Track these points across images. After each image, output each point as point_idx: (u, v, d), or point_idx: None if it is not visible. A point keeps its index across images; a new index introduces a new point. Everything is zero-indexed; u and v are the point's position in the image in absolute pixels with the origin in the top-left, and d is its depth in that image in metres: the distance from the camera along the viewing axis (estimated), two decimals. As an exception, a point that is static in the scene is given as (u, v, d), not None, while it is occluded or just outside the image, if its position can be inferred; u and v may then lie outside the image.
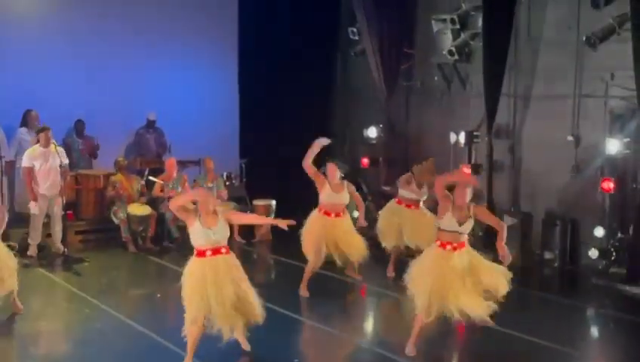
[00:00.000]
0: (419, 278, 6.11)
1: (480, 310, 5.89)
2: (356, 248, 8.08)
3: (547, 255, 9.71)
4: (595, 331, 7.80)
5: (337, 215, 8.07)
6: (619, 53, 8.89)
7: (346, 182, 8.23)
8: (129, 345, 6.66)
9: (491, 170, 10.30)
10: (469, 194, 6.09)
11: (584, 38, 9.02)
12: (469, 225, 6.08)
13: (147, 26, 12.06)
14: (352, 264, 8.38)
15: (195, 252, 5.98)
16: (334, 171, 8.16)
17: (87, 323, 7.34)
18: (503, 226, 6.20)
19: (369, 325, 7.79)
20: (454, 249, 6.03)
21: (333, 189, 8.07)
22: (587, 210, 9.43)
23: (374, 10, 11.63)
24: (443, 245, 6.06)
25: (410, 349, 6.13)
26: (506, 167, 10.51)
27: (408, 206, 8.71)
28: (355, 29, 12.28)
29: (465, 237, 6.13)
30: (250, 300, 5.82)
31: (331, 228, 8.02)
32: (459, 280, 5.94)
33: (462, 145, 10.69)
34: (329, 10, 12.84)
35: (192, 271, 5.95)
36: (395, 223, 8.68)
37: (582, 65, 9.52)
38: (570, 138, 9.59)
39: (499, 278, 6.13)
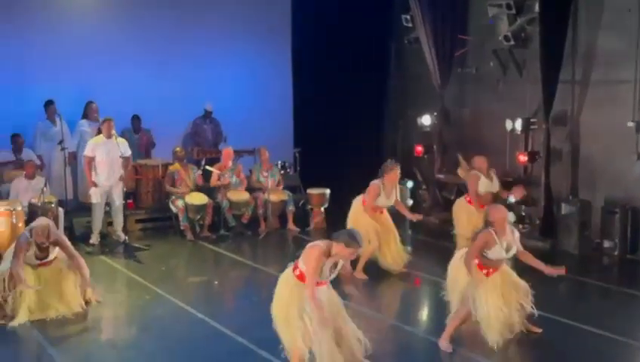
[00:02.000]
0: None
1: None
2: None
3: (606, 243, 9.48)
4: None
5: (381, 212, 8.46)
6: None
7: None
8: (187, 331, 6.78)
9: (548, 158, 10.11)
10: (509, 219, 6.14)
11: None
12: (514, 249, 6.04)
13: (204, 21, 12.20)
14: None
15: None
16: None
17: (147, 310, 7.50)
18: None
19: (422, 313, 7.78)
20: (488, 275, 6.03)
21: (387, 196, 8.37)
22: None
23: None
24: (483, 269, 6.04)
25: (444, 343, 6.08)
26: (563, 155, 10.29)
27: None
28: (408, 17, 12.16)
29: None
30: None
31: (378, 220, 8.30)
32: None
33: (518, 133, 10.53)
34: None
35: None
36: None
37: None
38: (630, 124, 9.32)
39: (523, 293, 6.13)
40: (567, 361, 5.91)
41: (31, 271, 7.00)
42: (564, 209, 9.79)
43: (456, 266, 6.22)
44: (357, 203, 8.49)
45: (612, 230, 9.40)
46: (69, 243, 7.28)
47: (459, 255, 6.33)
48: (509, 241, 5.96)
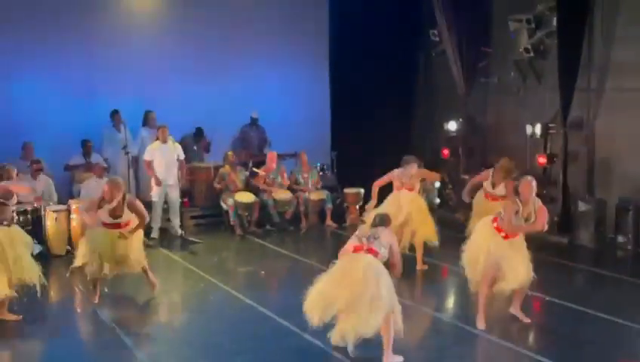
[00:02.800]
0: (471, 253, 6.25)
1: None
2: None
3: (620, 238, 9.36)
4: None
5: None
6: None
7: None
8: (237, 315, 6.87)
9: (566, 160, 10.02)
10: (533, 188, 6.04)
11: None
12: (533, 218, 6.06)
13: (250, 37, 12.22)
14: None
15: None
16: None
17: (201, 296, 7.61)
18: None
19: (448, 300, 7.78)
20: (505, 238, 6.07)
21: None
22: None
23: (453, 13, 11.49)
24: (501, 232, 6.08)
25: (480, 323, 6.12)
26: (580, 157, 10.18)
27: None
28: (435, 32, 12.15)
29: None
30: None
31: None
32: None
33: (538, 137, 10.45)
34: (412, 15, 12.71)
35: None
36: None
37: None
38: (643, 128, 9.21)
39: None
40: (582, 346, 5.85)
41: (102, 231, 7.05)
42: (581, 206, 9.69)
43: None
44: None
45: (625, 226, 9.28)
46: (141, 206, 7.28)
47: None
48: (529, 212, 6.01)
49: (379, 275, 5.19)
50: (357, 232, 5.63)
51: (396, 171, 8.35)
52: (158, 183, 10.02)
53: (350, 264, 5.31)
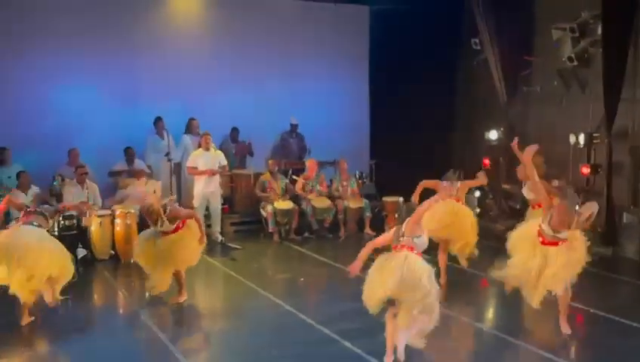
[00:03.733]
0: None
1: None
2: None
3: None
4: None
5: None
6: None
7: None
8: (277, 321, 6.89)
9: (610, 170, 9.88)
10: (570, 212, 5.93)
11: None
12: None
13: (290, 46, 12.45)
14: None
15: None
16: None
17: (242, 302, 7.68)
18: None
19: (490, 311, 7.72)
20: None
21: None
22: None
23: (495, 21, 11.48)
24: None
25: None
26: (625, 167, 10.04)
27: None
28: (477, 40, 12.12)
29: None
30: None
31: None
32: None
33: (581, 146, 10.33)
34: (453, 24, 12.71)
35: None
36: None
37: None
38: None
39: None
40: (625, 359, 5.75)
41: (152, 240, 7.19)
42: (626, 218, 9.55)
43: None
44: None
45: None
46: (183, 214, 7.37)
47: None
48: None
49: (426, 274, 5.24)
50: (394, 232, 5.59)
51: (444, 183, 8.17)
52: (209, 173, 10.16)
53: (405, 261, 5.28)
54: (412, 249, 5.35)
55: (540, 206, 7.79)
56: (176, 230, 7.14)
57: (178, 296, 7.36)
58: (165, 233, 7.10)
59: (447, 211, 7.84)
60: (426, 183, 8.22)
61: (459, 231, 7.91)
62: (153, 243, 7.14)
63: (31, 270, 6.24)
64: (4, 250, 6.25)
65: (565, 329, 6.19)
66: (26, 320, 6.55)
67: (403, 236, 5.39)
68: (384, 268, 5.28)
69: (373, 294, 5.31)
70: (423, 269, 5.23)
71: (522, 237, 6.42)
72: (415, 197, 8.09)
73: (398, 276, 5.13)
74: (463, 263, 8.14)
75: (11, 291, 6.28)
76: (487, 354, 6.03)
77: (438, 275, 5.94)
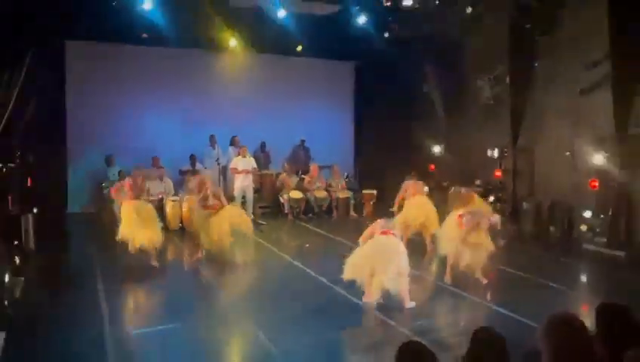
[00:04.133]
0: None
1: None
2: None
3: (552, 229, 9.18)
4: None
5: None
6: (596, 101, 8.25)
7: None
8: (290, 274, 6.88)
9: (515, 173, 9.89)
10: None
11: (579, 90, 8.47)
12: None
13: (301, 90, 12.33)
14: None
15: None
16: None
17: (266, 259, 7.73)
18: None
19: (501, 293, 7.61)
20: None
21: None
22: (580, 200, 8.82)
23: (438, 73, 11.45)
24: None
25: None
26: (525, 172, 9.96)
27: None
28: (427, 84, 12.06)
29: None
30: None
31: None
32: None
33: (495, 157, 10.19)
34: (411, 74, 12.54)
35: None
36: None
37: (578, 107, 8.91)
38: (567, 153, 9.00)
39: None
40: (525, 300, 5.58)
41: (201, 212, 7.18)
42: (524, 205, 9.54)
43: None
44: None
45: (556, 220, 9.09)
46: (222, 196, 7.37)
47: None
48: None
49: (404, 252, 5.27)
50: (379, 223, 5.55)
51: (410, 182, 8.03)
52: (245, 172, 10.10)
53: (388, 240, 5.33)
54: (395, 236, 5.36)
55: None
56: (215, 207, 7.09)
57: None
58: (208, 207, 7.04)
59: (418, 206, 7.66)
60: (401, 196, 7.99)
61: (428, 220, 7.66)
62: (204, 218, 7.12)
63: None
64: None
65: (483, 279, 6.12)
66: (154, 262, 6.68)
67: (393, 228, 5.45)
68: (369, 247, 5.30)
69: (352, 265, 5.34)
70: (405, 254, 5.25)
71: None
72: (397, 206, 7.97)
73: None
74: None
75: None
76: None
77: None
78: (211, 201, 7.09)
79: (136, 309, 5.82)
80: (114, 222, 7.60)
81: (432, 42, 11.31)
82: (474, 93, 10.96)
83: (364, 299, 5.47)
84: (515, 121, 9.66)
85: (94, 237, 8.48)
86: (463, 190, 6.93)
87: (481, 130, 11.09)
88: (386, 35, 11.21)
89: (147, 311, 5.63)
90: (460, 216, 6.14)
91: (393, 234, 5.37)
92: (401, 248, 5.31)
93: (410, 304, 5.35)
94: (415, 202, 7.81)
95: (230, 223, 7.19)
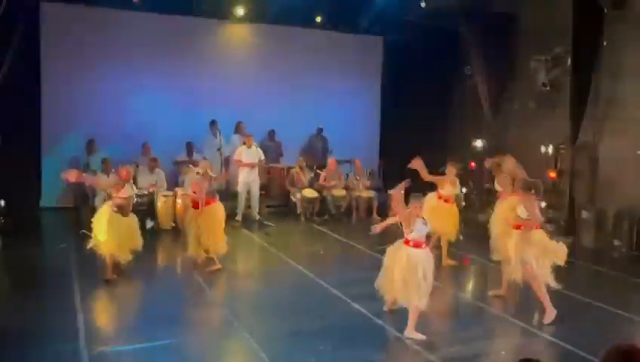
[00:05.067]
0: None
1: None
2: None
3: (616, 242, 9.00)
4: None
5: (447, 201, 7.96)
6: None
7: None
8: (300, 284, 6.89)
9: (573, 175, 9.70)
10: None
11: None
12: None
13: (319, 68, 12.28)
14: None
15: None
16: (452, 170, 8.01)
17: (272, 268, 7.71)
18: None
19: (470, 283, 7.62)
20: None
21: (451, 185, 7.92)
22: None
23: (484, 53, 11.24)
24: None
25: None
26: (585, 173, 9.82)
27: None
28: (469, 67, 11.93)
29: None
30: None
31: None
32: None
33: (550, 155, 10.15)
34: (450, 53, 12.48)
35: None
36: None
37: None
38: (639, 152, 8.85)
39: None
40: (582, 326, 5.63)
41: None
42: (584, 214, 9.37)
43: None
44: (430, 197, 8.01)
45: (621, 233, 8.92)
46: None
47: None
48: None
49: (417, 265, 5.15)
50: (413, 203, 5.50)
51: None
52: (250, 165, 10.09)
53: (395, 248, 5.36)
54: (408, 242, 5.25)
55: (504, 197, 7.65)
56: (208, 202, 7.09)
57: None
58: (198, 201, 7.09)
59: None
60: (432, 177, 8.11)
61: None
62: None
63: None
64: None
65: (549, 316, 5.69)
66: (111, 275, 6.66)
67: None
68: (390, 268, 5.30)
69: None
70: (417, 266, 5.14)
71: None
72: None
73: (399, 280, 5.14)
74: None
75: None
76: (466, 317, 5.93)
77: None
78: (210, 186, 7.07)
79: (117, 322, 5.84)
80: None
81: (478, 15, 11.15)
82: (527, 77, 10.79)
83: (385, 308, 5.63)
84: (576, 112, 9.43)
85: (71, 235, 8.52)
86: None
87: (533, 122, 10.93)
88: (423, 4, 11.07)
89: (130, 323, 5.64)
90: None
91: (407, 241, 5.24)
92: (408, 258, 5.17)
93: (411, 333, 5.16)
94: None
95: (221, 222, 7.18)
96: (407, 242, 5.25)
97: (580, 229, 9.39)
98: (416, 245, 5.22)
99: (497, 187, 8.19)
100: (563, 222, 9.63)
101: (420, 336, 5.15)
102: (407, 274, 5.09)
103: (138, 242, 6.79)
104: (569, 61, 9.62)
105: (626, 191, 9.08)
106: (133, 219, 6.85)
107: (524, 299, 6.06)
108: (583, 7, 8.93)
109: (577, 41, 9.15)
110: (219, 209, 7.21)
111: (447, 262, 7.81)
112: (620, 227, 8.95)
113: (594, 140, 9.70)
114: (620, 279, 7.63)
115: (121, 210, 6.65)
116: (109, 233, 6.43)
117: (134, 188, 7.11)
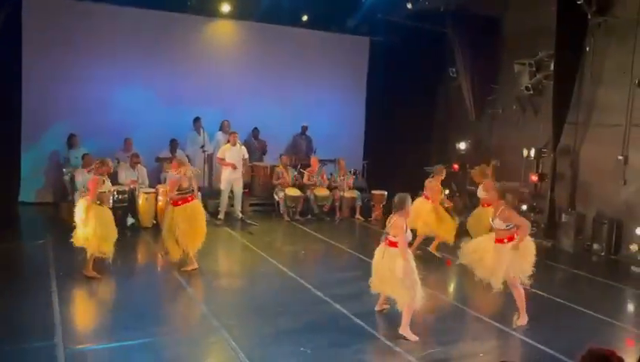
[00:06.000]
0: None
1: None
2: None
3: (595, 246, 9.13)
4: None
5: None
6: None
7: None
8: (282, 284, 6.86)
9: (554, 179, 9.81)
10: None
11: (637, 81, 8.38)
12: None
13: (304, 66, 12.30)
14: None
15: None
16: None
17: (254, 267, 7.65)
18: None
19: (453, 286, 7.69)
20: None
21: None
22: (631, 214, 8.79)
23: (469, 55, 11.37)
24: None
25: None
26: (566, 177, 9.96)
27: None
28: (454, 69, 12.03)
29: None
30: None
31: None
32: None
33: (532, 158, 10.26)
34: (435, 55, 12.61)
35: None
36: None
37: (632, 102, 8.85)
38: (620, 157, 8.96)
39: None
40: (559, 329, 5.70)
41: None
42: (564, 218, 9.49)
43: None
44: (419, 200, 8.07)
45: (600, 236, 9.06)
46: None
47: None
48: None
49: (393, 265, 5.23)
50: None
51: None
52: (232, 166, 10.02)
53: (379, 255, 5.48)
54: (394, 244, 5.30)
55: (488, 205, 7.78)
56: (187, 200, 7.02)
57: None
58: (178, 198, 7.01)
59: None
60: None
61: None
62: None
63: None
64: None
65: (522, 321, 5.72)
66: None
67: (387, 234, 5.41)
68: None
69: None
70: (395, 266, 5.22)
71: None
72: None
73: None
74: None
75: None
76: (448, 319, 5.98)
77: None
78: (186, 184, 7.00)
79: (95, 319, 5.77)
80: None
81: (463, 17, 11.24)
82: (510, 80, 10.90)
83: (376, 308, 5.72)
84: (558, 116, 9.54)
85: (50, 232, 8.40)
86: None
87: (516, 126, 11.04)
88: (409, 6, 11.12)
89: (108, 321, 5.58)
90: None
91: (391, 243, 5.28)
92: (392, 263, 5.23)
93: (406, 332, 5.21)
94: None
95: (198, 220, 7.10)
96: (393, 244, 5.28)
97: (560, 233, 9.49)
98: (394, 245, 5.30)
99: (480, 193, 8.34)
100: (544, 225, 9.74)
101: (413, 337, 5.18)
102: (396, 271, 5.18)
103: (115, 234, 6.73)
104: (552, 66, 9.72)
105: (606, 196, 9.22)
106: (109, 211, 6.82)
107: (502, 302, 6.10)
108: (566, 12, 9.02)
109: (561, 46, 9.25)
110: (196, 207, 7.10)
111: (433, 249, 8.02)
112: (599, 231, 9.07)
113: (575, 145, 9.83)
114: (598, 283, 7.73)
115: (101, 202, 6.62)
116: (92, 225, 6.36)
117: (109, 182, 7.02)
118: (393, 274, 5.18)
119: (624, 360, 2.23)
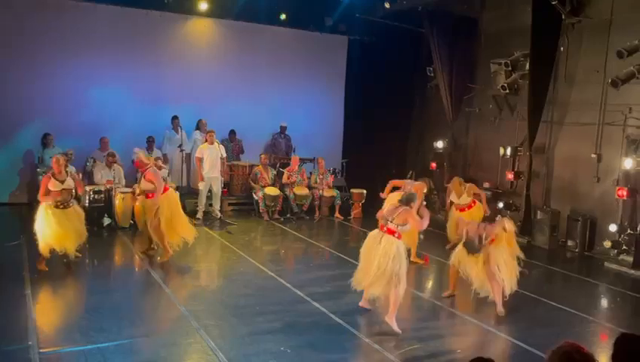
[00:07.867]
0: None
1: None
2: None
3: (569, 243, 9.29)
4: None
5: None
6: (636, 92, 8.40)
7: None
8: (261, 283, 6.82)
9: (530, 177, 9.95)
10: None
11: (609, 81, 8.54)
12: None
13: (283, 65, 12.27)
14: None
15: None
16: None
17: (233, 266, 7.58)
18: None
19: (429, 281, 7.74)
20: None
21: None
22: (605, 211, 8.97)
23: (446, 55, 11.46)
24: None
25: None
26: (541, 175, 10.11)
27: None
28: (431, 69, 12.12)
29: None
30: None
31: None
32: None
33: (508, 157, 10.39)
34: (413, 54, 12.70)
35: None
36: None
37: (605, 101, 9.03)
38: (593, 155, 9.13)
39: None
40: (535, 324, 5.76)
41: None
42: (539, 215, 9.63)
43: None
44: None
45: (574, 233, 9.22)
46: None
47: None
48: None
49: (393, 255, 5.25)
50: (385, 209, 5.60)
51: (407, 181, 8.22)
52: (201, 179, 10.04)
53: (374, 235, 5.44)
54: (393, 233, 5.34)
55: (462, 210, 8.19)
56: (149, 196, 7.26)
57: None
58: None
59: None
60: (394, 182, 8.13)
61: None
62: None
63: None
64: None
65: (500, 311, 5.90)
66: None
67: (389, 221, 5.38)
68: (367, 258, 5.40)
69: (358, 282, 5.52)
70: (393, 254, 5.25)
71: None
72: (385, 193, 8.01)
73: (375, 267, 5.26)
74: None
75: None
76: (425, 314, 6.02)
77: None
78: (145, 186, 7.11)
79: (69, 321, 5.65)
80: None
81: (441, 17, 11.33)
82: (487, 79, 11.02)
83: (360, 304, 5.69)
84: (534, 115, 9.67)
85: (24, 233, 8.19)
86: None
87: (492, 124, 11.17)
88: (387, 5, 11.16)
89: (83, 323, 5.47)
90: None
91: (390, 230, 5.30)
92: (389, 248, 5.25)
93: (392, 322, 5.31)
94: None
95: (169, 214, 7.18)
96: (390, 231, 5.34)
97: (535, 230, 9.63)
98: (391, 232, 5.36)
99: (453, 198, 8.48)
100: (519, 223, 9.86)
101: (396, 329, 5.26)
102: (383, 260, 5.22)
103: (83, 234, 6.72)
104: (527, 65, 9.85)
105: (580, 193, 9.39)
106: (75, 211, 6.75)
107: (479, 299, 6.17)
108: (542, 13, 9.15)
109: (536, 46, 9.37)
110: (174, 196, 7.27)
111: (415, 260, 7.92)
112: (574, 228, 9.23)
113: (550, 143, 9.99)
114: (573, 278, 7.88)
115: (61, 203, 6.58)
116: (46, 227, 6.46)
117: (70, 180, 6.88)
118: (385, 257, 5.18)
119: (592, 355, 2.25)
